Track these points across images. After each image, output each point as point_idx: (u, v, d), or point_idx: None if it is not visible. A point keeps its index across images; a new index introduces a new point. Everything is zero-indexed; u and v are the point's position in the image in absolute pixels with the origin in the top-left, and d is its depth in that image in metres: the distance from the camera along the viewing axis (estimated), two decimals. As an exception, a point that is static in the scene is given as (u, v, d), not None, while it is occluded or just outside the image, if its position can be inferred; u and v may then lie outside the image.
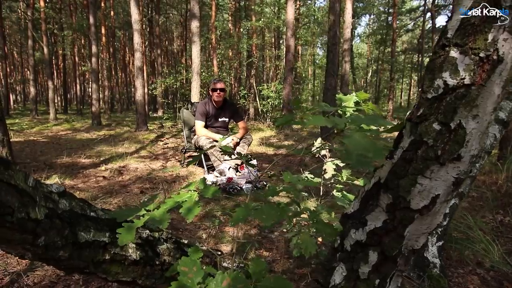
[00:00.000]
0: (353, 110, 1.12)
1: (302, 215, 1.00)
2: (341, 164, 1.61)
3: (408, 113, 0.70)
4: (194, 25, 6.19)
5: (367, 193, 0.78)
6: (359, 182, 1.56)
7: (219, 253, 1.19)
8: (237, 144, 3.69)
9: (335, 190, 1.57)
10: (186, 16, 21.47)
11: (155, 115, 16.80)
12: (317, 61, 23.78)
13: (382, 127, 0.75)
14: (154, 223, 0.79)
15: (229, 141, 3.57)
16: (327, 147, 1.75)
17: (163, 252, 0.96)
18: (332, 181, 1.60)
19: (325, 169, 1.61)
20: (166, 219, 0.79)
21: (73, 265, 0.77)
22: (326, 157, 1.68)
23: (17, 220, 0.59)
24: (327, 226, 0.92)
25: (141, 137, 7.47)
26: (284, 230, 2.31)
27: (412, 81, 31.01)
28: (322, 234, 0.97)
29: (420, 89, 0.64)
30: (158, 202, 0.93)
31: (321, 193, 1.71)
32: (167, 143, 6.46)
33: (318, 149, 1.75)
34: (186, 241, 1.12)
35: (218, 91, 3.67)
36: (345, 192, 1.56)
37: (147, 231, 0.95)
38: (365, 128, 0.74)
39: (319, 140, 1.71)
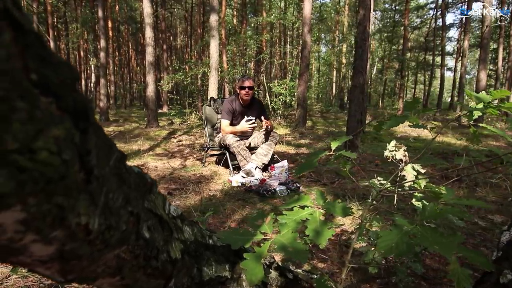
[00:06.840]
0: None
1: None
2: (423, 170, 1.44)
3: None
4: (213, 18, 5.95)
5: None
6: (442, 190, 1.39)
7: (314, 276, 1.02)
8: (266, 138, 3.56)
9: (414, 199, 1.40)
10: (192, 12, 21.18)
11: (160, 111, 16.57)
12: (322, 58, 23.49)
13: None
14: (288, 254, 0.62)
15: (251, 123, 3.49)
16: (404, 151, 1.59)
17: (272, 282, 0.79)
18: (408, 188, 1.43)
19: (404, 175, 1.44)
20: (303, 249, 0.62)
21: (190, 309, 0.60)
22: (403, 162, 1.51)
23: (161, 264, 0.42)
24: (477, 253, 0.75)
25: (153, 133, 7.29)
26: (331, 237, 2.15)
27: (418, 79, 30.68)
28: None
29: None
30: (271, 221, 0.76)
31: (395, 202, 1.53)
32: (181, 141, 6.28)
33: (392, 152, 1.59)
34: (280, 264, 0.95)
35: (247, 89, 3.50)
36: (425, 202, 1.39)
37: (254, 257, 0.78)
38: None
39: (393, 143, 1.53)
